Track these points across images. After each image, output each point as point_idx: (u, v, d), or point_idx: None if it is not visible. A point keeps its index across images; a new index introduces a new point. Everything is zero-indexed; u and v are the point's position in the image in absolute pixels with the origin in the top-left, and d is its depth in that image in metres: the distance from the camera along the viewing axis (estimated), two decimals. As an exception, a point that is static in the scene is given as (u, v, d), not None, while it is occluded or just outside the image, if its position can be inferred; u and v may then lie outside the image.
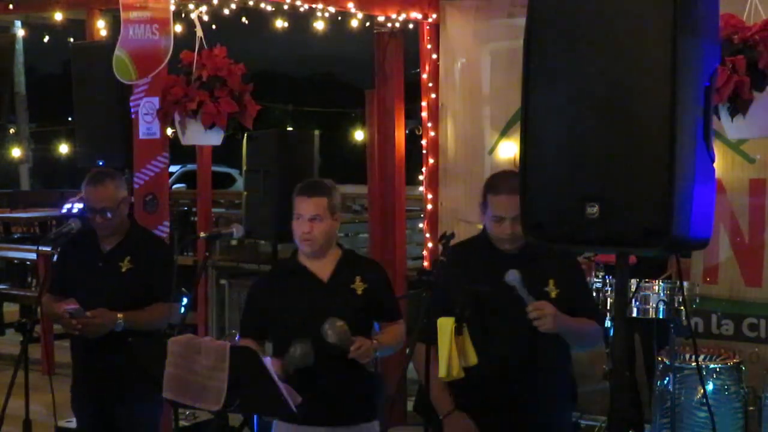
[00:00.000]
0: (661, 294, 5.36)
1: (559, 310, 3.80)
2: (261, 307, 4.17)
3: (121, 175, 4.92)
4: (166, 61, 5.68)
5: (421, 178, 7.69)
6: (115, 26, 6.46)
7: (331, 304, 4.01)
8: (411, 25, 7.43)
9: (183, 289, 5.88)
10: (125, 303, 4.58)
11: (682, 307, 5.26)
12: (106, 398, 4.68)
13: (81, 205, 4.80)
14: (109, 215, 4.61)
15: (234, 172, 20.24)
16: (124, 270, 4.65)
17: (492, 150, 7.22)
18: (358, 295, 4.08)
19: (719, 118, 4.87)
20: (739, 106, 4.78)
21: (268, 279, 4.47)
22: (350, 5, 6.85)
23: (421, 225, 8.15)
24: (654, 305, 5.36)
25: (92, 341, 4.58)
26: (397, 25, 7.30)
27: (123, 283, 4.64)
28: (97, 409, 4.72)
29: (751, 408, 5.46)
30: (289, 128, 22.32)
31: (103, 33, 6.62)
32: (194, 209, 10.46)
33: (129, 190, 5.01)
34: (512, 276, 3.77)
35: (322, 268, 4.13)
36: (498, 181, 3.96)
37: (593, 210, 2.59)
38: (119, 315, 4.53)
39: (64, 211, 4.87)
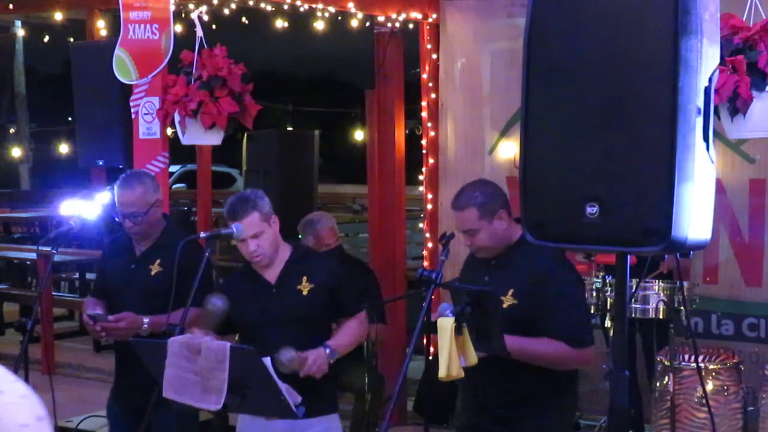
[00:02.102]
0: (661, 294, 5.36)
1: (510, 322, 3.69)
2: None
3: (152, 177, 4.86)
4: (166, 61, 5.68)
5: (421, 178, 7.69)
6: (115, 26, 6.47)
7: (278, 308, 4.09)
8: (411, 25, 7.43)
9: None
10: (154, 306, 4.49)
11: (682, 307, 5.26)
12: (144, 403, 4.63)
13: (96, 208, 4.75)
14: (138, 219, 4.60)
15: (234, 172, 20.24)
16: (153, 273, 4.61)
17: (492, 150, 7.21)
18: (303, 296, 4.11)
19: (719, 118, 4.87)
20: (739, 106, 4.78)
21: (227, 283, 4.59)
22: (350, 5, 6.85)
23: (421, 225, 8.15)
24: (654, 305, 5.36)
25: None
26: (397, 25, 7.30)
27: (152, 286, 4.59)
28: (135, 413, 4.65)
29: (750, 408, 5.46)
30: (289, 128, 22.33)
31: (103, 33, 6.63)
32: (194, 209, 10.46)
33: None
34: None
35: (272, 271, 4.18)
36: (454, 197, 4.02)
37: (593, 210, 2.59)
38: (145, 319, 4.49)
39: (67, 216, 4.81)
